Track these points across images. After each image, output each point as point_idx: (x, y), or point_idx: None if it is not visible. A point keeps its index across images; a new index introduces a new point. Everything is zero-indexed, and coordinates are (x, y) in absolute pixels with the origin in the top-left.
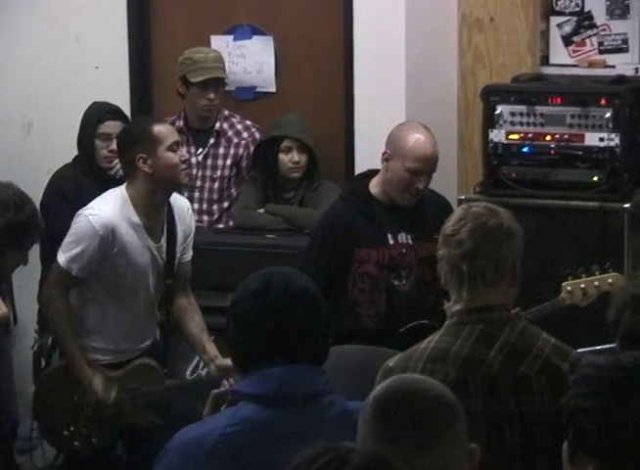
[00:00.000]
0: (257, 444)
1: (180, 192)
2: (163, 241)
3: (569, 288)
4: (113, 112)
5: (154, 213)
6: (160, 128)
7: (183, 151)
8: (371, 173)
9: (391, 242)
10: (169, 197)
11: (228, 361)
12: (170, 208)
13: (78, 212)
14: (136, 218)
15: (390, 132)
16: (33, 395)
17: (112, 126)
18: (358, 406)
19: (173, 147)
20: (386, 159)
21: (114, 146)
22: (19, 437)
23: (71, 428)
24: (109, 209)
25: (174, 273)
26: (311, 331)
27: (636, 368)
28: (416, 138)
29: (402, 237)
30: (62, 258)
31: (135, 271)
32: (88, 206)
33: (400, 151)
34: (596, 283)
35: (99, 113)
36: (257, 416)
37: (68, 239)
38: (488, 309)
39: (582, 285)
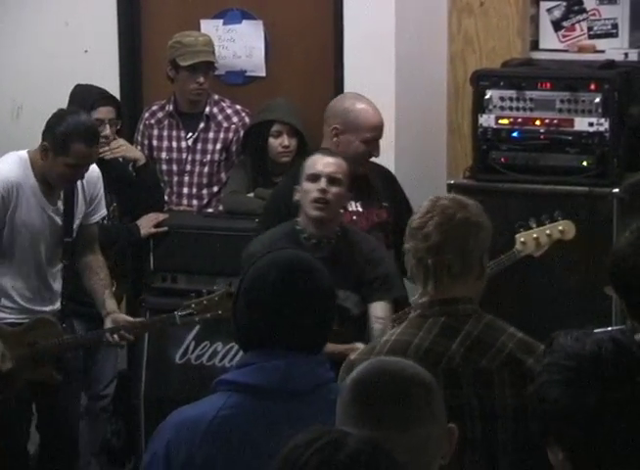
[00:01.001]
0: (252, 428)
1: (170, 176)
2: (60, 204)
3: (522, 239)
4: (105, 97)
5: (50, 181)
6: (78, 150)
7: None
8: (309, 150)
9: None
10: None
11: (123, 316)
12: None
13: None
14: (33, 180)
15: (331, 107)
16: None
17: (104, 112)
18: None
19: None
20: (335, 134)
21: (106, 131)
22: None
23: None
24: (8, 167)
25: (77, 235)
26: (322, 324)
27: (595, 359)
28: (364, 109)
29: (351, 205)
30: None
31: (30, 230)
32: None
33: (352, 124)
34: (547, 231)
35: (91, 98)
36: (252, 402)
37: None
38: (452, 302)
39: (535, 235)
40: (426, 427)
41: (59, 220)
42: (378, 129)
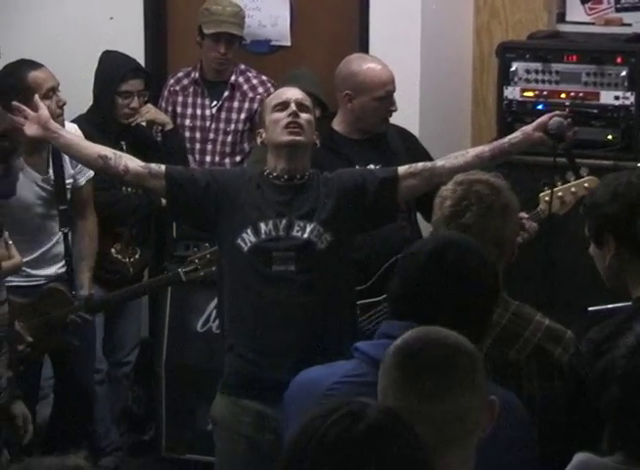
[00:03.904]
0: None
1: (193, 144)
2: (50, 172)
3: (547, 198)
4: (135, 69)
5: (35, 150)
6: (35, 75)
7: (60, 96)
8: (329, 115)
9: None
10: None
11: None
12: None
13: None
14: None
15: (338, 74)
16: None
17: (134, 85)
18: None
19: (49, 94)
20: (349, 100)
21: (134, 104)
22: None
23: None
24: None
25: (70, 199)
26: (468, 308)
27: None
28: (371, 68)
29: (371, 168)
30: None
31: (22, 204)
32: None
33: (362, 85)
34: (573, 189)
35: (122, 70)
36: (375, 375)
37: None
38: None
39: (560, 193)
40: (467, 396)
41: (50, 189)
42: (389, 84)
